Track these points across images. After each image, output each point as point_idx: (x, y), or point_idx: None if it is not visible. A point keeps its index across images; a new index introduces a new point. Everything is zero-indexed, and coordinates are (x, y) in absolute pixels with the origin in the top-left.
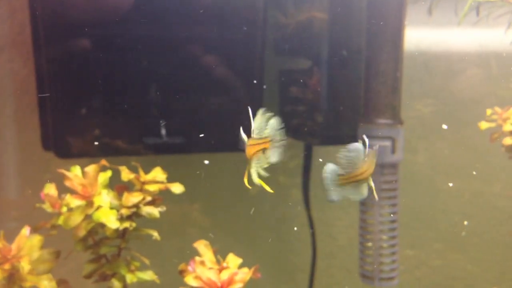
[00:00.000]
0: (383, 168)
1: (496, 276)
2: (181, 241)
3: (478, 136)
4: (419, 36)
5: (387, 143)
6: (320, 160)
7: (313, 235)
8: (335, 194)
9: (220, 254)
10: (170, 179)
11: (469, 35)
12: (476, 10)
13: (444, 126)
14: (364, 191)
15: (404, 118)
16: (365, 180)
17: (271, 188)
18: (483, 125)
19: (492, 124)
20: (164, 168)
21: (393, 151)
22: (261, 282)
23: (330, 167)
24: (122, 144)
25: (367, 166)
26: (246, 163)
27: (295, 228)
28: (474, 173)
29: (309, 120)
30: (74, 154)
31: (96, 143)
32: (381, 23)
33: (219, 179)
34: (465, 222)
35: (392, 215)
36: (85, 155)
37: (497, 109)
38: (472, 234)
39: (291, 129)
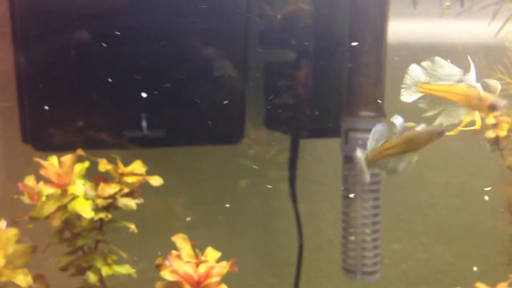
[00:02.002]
0: None
1: (483, 270)
2: (167, 235)
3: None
4: (407, 28)
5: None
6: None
7: (299, 228)
8: (408, 96)
9: (205, 248)
10: (155, 173)
11: (458, 27)
12: (460, 1)
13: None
14: (399, 166)
15: (393, 111)
16: (397, 155)
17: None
18: (467, 118)
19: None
20: (150, 161)
21: None
22: (248, 275)
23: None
24: (104, 137)
25: (397, 142)
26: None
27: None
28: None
29: (295, 113)
30: (52, 147)
31: (76, 136)
32: (364, 14)
33: (206, 173)
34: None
35: (374, 208)
36: (64, 148)
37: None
38: (459, 228)
39: (277, 122)
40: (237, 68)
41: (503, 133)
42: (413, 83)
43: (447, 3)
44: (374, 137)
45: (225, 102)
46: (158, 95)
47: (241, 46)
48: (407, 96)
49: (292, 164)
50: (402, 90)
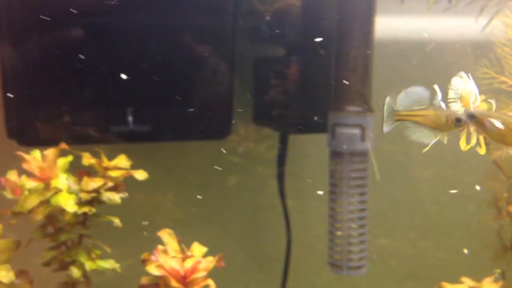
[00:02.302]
0: (352, 156)
1: (471, 265)
2: (154, 232)
3: None
4: (396, 25)
5: (357, 131)
6: None
7: (287, 224)
8: (387, 126)
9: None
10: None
11: (447, 23)
12: None
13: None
14: (427, 138)
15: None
16: (426, 125)
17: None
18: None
19: None
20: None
21: (362, 139)
22: (236, 271)
23: (388, 100)
24: (90, 132)
25: (429, 112)
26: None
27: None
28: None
29: (284, 109)
30: (37, 142)
31: (61, 131)
32: (352, 9)
33: (194, 169)
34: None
35: (361, 203)
36: (49, 143)
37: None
38: (447, 223)
39: (265, 118)
40: (224, 63)
41: None
42: (391, 113)
43: None
44: (410, 97)
45: (212, 97)
46: (144, 90)
47: (229, 42)
48: (387, 127)
49: (281, 160)
50: (383, 123)
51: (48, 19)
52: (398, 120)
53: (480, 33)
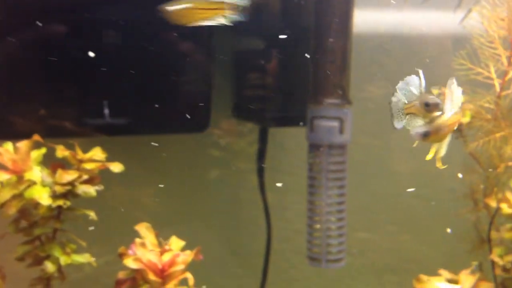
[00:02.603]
0: (330, 148)
1: (449, 258)
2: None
3: None
4: (377, 18)
5: (335, 124)
6: None
7: (267, 218)
8: (399, 123)
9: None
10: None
11: (427, 17)
12: None
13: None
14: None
15: (360, 100)
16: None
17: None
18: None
19: None
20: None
21: (341, 131)
22: (216, 266)
23: (395, 96)
24: (66, 125)
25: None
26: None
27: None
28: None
29: (263, 102)
30: (12, 135)
31: (37, 124)
32: (329, 1)
33: (174, 163)
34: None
35: (340, 196)
36: (24, 136)
37: (444, 89)
38: (425, 216)
39: (245, 111)
40: (203, 56)
41: (465, 119)
42: (400, 109)
43: None
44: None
45: (190, 91)
46: (121, 83)
47: (206, 35)
48: (397, 124)
49: (261, 154)
50: (394, 121)
51: (21, 13)
52: (407, 114)
53: (458, 25)
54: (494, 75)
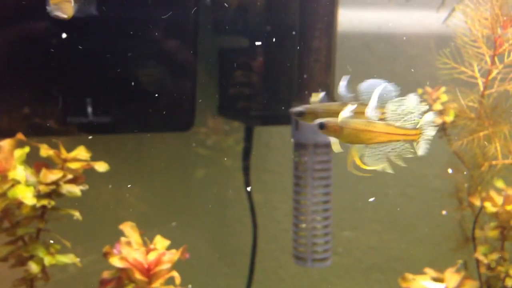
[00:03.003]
0: (316, 148)
1: (435, 256)
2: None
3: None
4: (361, 17)
5: None
6: None
7: (253, 218)
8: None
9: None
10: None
11: (411, 16)
12: None
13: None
14: None
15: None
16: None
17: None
18: None
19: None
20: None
21: None
22: (202, 265)
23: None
24: (49, 123)
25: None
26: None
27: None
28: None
29: (248, 100)
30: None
31: (20, 122)
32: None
33: (160, 162)
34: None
35: (325, 195)
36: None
37: (428, 89)
38: (411, 215)
39: (231, 110)
40: (187, 55)
41: (449, 118)
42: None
43: None
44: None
45: (175, 90)
46: (106, 81)
47: (191, 33)
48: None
49: (247, 153)
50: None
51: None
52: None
53: (442, 24)
54: (477, 74)
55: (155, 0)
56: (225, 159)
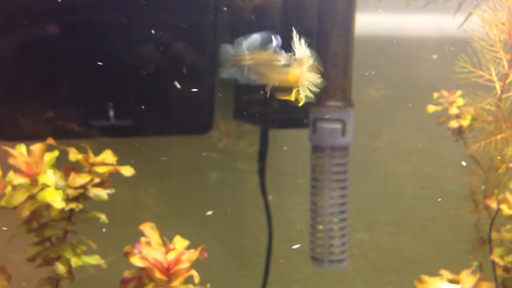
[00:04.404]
0: (333, 150)
1: (448, 259)
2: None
3: (433, 121)
4: (376, 21)
5: (337, 126)
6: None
7: (269, 219)
8: (224, 72)
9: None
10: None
11: (426, 20)
12: None
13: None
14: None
15: (362, 102)
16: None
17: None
18: (430, 108)
19: (439, 108)
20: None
21: (343, 133)
22: (218, 266)
23: (225, 47)
24: (71, 126)
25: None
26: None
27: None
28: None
29: (264, 104)
30: (17, 137)
31: (43, 125)
32: (332, 4)
33: (175, 164)
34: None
35: (342, 197)
36: (30, 137)
37: (444, 92)
38: (425, 217)
39: (246, 114)
40: (206, 59)
41: (466, 122)
42: (228, 59)
43: None
44: (249, 42)
45: (194, 93)
46: (126, 85)
47: (210, 37)
48: (224, 72)
49: (262, 155)
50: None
51: (25, 13)
52: (235, 64)
53: (458, 29)
54: (495, 78)
55: (175, 5)
56: (240, 161)
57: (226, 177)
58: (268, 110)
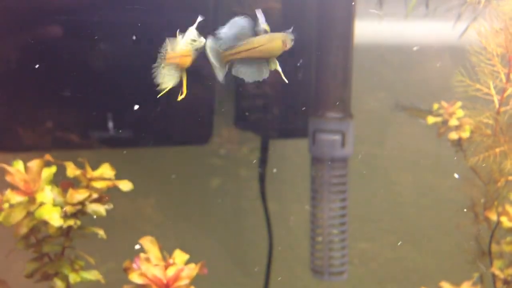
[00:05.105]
0: (332, 162)
1: (449, 268)
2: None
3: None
4: (376, 29)
5: (337, 137)
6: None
7: (269, 227)
8: (221, 74)
9: (176, 248)
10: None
11: (427, 28)
12: (425, 3)
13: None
14: (261, 71)
15: (362, 111)
16: (262, 58)
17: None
18: (430, 119)
19: (439, 119)
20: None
21: (342, 145)
22: (218, 275)
23: (209, 42)
24: (71, 137)
25: (259, 41)
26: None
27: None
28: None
29: (265, 113)
30: (17, 148)
31: (42, 136)
32: (331, 15)
33: (175, 173)
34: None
35: (342, 209)
36: (29, 149)
37: (444, 103)
38: (426, 227)
39: (247, 122)
40: (206, 69)
41: (465, 134)
42: (218, 57)
43: (412, 4)
44: (233, 31)
45: (193, 104)
46: (126, 95)
47: None
48: (220, 75)
49: (263, 163)
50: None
51: (27, 22)
52: (228, 61)
53: (458, 38)
54: (493, 92)
55: (174, 12)
56: (241, 169)
57: (227, 184)
58: (268, 119)
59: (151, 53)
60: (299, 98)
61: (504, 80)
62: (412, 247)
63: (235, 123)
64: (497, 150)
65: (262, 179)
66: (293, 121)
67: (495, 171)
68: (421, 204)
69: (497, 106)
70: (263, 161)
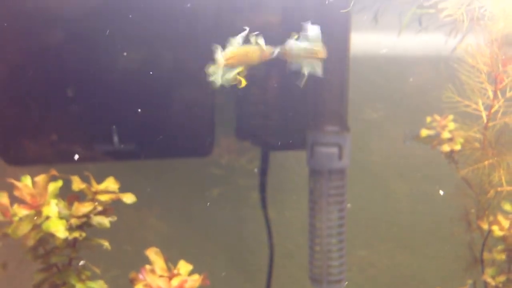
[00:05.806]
0: (330, 174)
1: (446, 275)
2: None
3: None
4: (372, 41)
5: (334, 150)
6: None
7: (269, 235)
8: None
9: (179, 257)
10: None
11: (422, 40)
12: (418, 20)
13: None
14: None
15: (359, 122)
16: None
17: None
18: (423, 132)
19: (432, 132)
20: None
21: (340, 157)
22: (219, 282)
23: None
24: (76, 150)
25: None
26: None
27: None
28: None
29: (265, 125)
30: (23, 161)
31: (48, 150)
32: (327, 30)
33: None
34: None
35: (340, 219)
36: (36, 162)
37: (436, 116)
38: (423, 234)
39: (248, 133)
40: (206, 82)
41: (457, 147)
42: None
43: (405, 23)
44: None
45: (194, 116)
46: (128, 108)
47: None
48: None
49: (263, 173)
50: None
51: (31, 34)
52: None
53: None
54: (481, 108)
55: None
56: (242, 179)
57: (228, 194)
58: (269, 131)
59: (153, 68)
60: (299, 110)
61: (491, 97)
62: (411, 254)
63: (236, 133)
64: (486, 162)
65: (262, 188)
66: (293, 133)
67: (485, 183)
68: (418, 211)
69: (485, 121)
70: (263, 171)
